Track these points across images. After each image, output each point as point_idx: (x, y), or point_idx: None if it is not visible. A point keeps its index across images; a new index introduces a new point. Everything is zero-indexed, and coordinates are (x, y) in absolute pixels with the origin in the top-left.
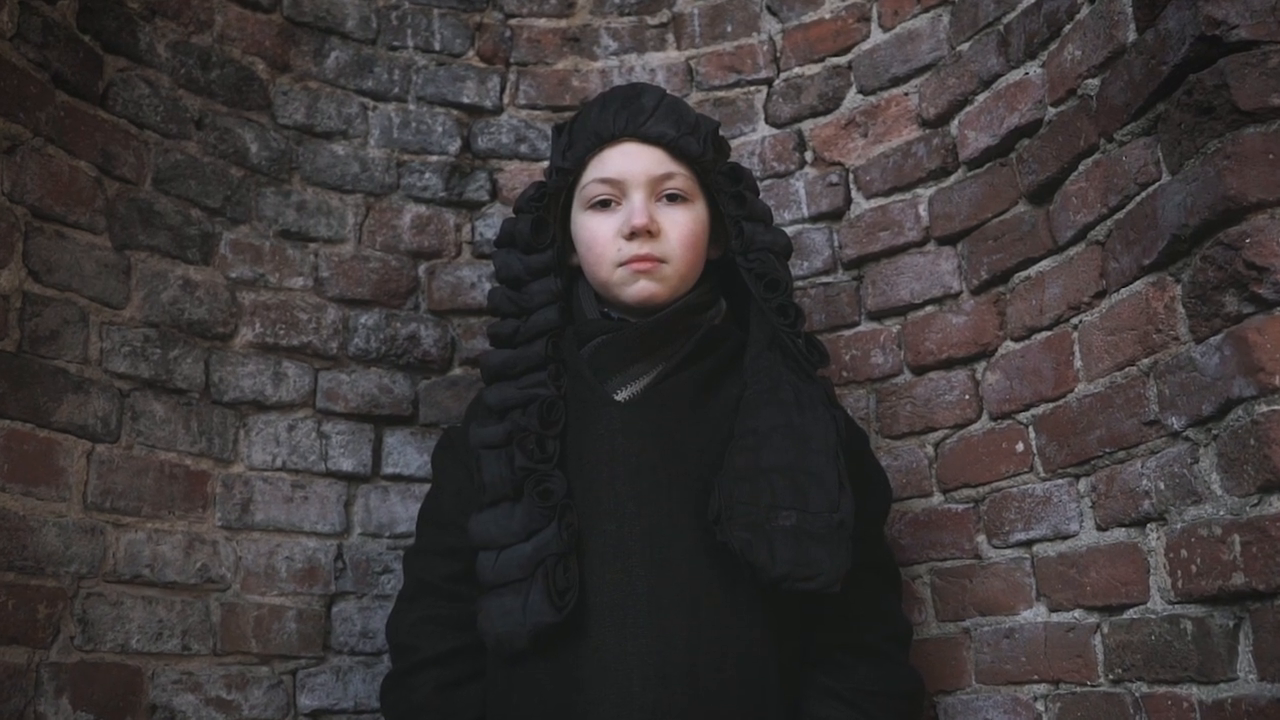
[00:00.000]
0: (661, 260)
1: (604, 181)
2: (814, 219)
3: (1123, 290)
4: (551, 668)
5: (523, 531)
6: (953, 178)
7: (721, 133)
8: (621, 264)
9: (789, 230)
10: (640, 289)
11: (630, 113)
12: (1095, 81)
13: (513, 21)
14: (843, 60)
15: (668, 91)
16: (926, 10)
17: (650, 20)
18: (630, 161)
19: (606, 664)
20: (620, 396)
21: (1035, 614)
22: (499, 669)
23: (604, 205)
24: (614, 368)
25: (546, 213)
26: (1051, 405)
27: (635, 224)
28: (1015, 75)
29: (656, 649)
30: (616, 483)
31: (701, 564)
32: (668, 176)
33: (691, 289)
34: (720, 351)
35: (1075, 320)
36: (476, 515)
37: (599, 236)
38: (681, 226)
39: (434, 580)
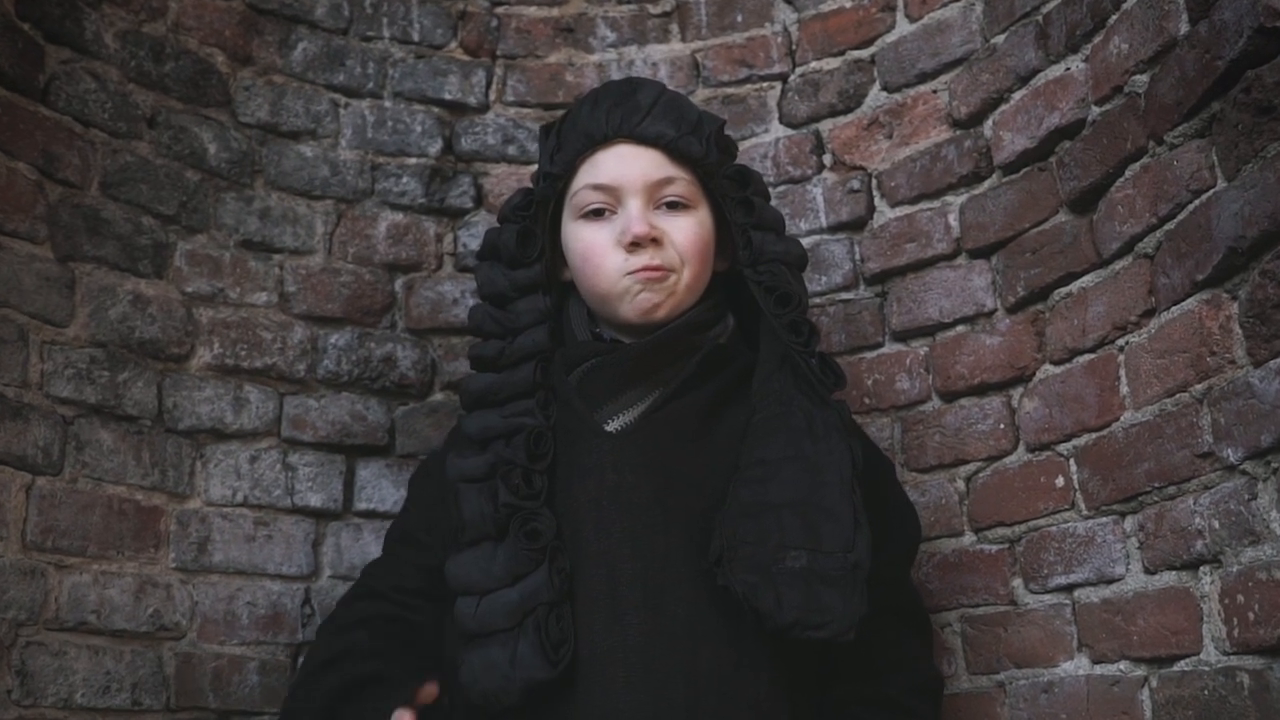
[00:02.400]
0: (668, 270)
1: (597, 188)
2: (833, 229)
3: (1173, 309)
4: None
5: (507, 576)
6: (986, 184)
7: (729, 132)
8: (627, 274)
9: (805, 241)
10: (643, 301)
11: (624, 111)
12: (1144, 78)
13: (500, 10)
14: (865, 54)
15: (668, 86)
16: None
17: (652, 9)
18: (625, 165)
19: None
20: (611, 426)
21: (1076, 666)
22: None
23: (597, 214)
24: (604, 395)
25: (534, 222)
26: (1095, 435)
27: (636, 233)
28: (1055, 71)
29: (650, 704)
30: (606, 522)
31: (702, 610)
32: (667, 181)
33: (695, 304)
34: (725, 374)
35: (1121, 341)
36: (454, 556)
37: (595, 246)
38: (686, 233)
39: (380, 588)
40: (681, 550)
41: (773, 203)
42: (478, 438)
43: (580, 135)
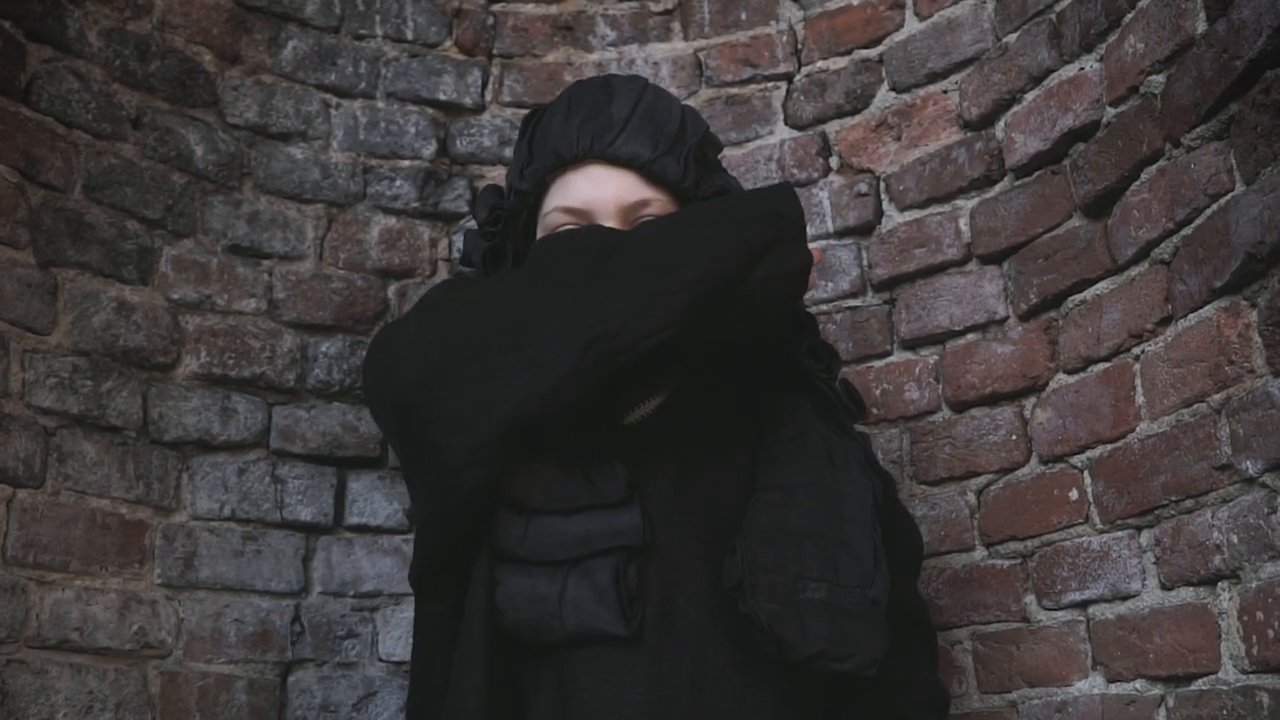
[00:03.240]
0: None
1: (567, 210)
2: (840, 234)
3: (1191, 316)
4: (550, 677)
5: (574, 500)
6: (998, 187)
7: (735, 135)
8: None
9: (811, 247)
10: None
11: (597, 127)
12: (1160, 78)
13: (496, 7)
14: (873, 53)
15: (650, 85)
16: None
17: (653, 6)
18: (597, 188)
19: (596, 711)
20: (630, 419)
21: (1091, 685)
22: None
23: None
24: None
25: (503, 236)
26: (1110, 447)
27: None
28: (1069, 71)
29: (653, 702)
30: None
31: (713, 613)
32: (642, 204)
33: None
34: (727, 375)
35: (1137, 350)
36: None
37: None
38: None
39: None
40: (696, 544)
41: None
42: None
43: (550, 152)
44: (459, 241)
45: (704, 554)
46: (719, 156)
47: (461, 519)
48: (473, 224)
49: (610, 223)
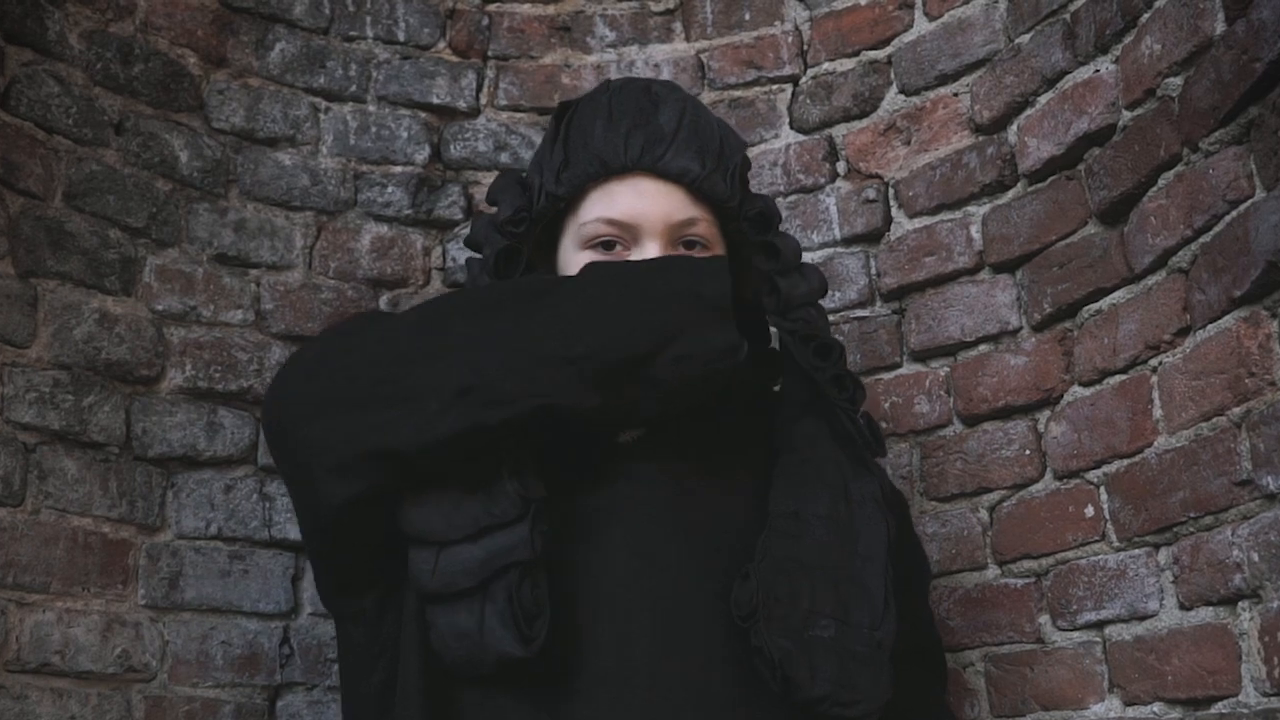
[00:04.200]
0: None
1: (611, 223)
2: (847, 241)
3: (1210, 327)
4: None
5: (472, 527)
6: (1010, 193)
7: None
8: None
9: (818, 255)
10: None
11: (647, 137)
12: (1177, 80)
13: (491, 8)
14: (881, 54)
15: (689, 96)
16: None
17: (654, 6)
18: (647, 203)
19: None
20: (623, 438)
21: (1108, 708)
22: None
23: (607, 247)
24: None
25: (523, 240)
26: (1126, 462)
27: None
28: (1084, 73)
29: None
30: (615, 532)
31: (714, 637)
32: (689, 223)
33: None
34: (736, 393)
35: (1154, 362)
36: (415, 498)
37: None
38: None
39: None
40: (693, 568)
41: (782, 214)
42: None
43: (594, 159)
44: (453, 250)
45: (702, 576)
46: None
47: (338, 539)
48: (466, 233)
49: (654, 241)
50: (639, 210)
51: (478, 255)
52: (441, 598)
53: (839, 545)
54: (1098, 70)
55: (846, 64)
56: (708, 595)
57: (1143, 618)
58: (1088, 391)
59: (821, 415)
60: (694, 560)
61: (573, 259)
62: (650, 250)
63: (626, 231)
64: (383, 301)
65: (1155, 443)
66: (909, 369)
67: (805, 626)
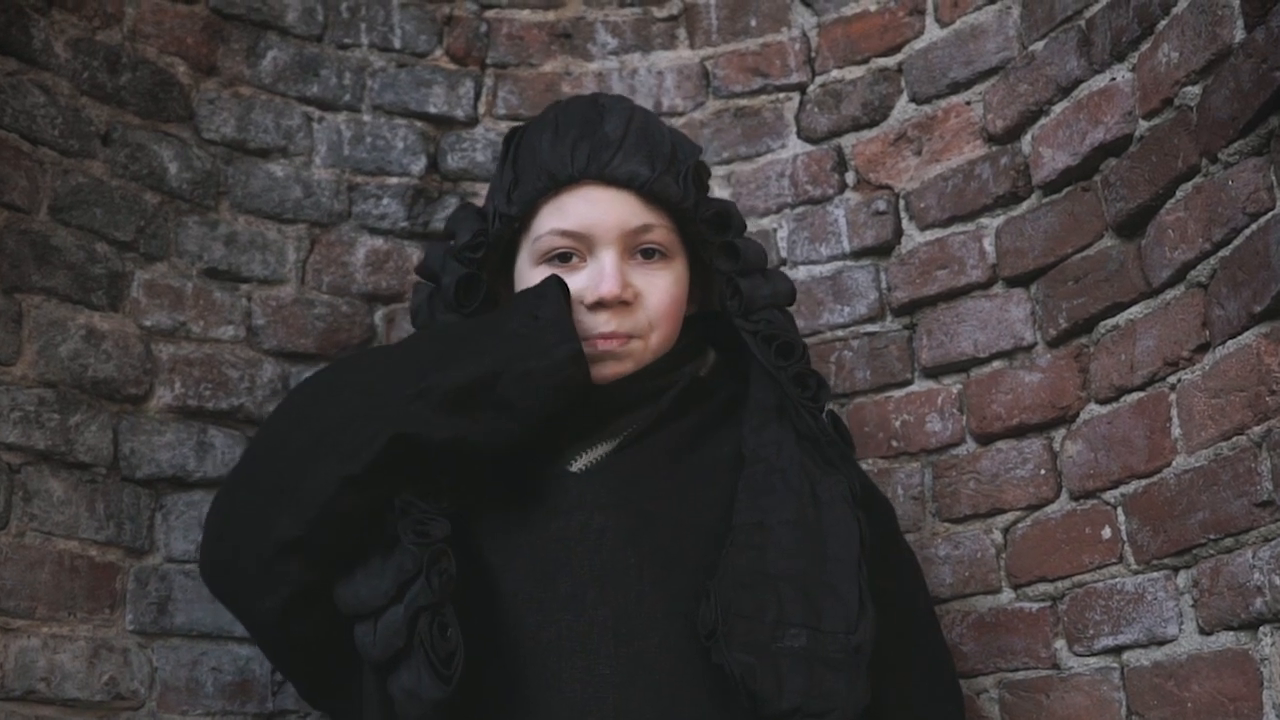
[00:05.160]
0: (632, 336)
1: (564, 234)
2: (857, 254)
3: (1229, 343)
4: None
5: (393, 587)
6: (1024, 205)
7: (744, 149)
8: (584, 339)
9: (826, 268)
10: (602, 368)
11: (593, 146)
12: (1195, 89)
13: (490, 14)
14: (891, 61)
15: (637, 105)
16: (993, 1)
17: (657, 12)
18: (598, 211)
19: None
20: (576, 467)
21: None
22: None
23: (564, 259)
24: (565, 439)
25: (481, 265)
26: (1144, 482)
27: (605, 294)
28: (1099, 81)
29: None
30: (574, 565)
31: (680, 657)
32: (644, 229)
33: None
34: (708, 407)
35: (1173, 379)
36: (346, 579)
37: None
38: (661, 292)
39: None
40: (657, 594)
41: (789, 226)
42: None
43: (541, 173)
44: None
45: (667, 600)
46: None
47: (295, 651)
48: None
49: (610, 249)
50: (590, 219)
51: (421, 294)
52: (388, 665)
53: (807, 550)
54: (1114, 79)
55: (855, 72)
56: (674, 619)
57: (1162, 643)
58: (1104, 409)
59: (788, 419)
60: (657, 586)
61: (529, 276)
62: (606, 259)
63: (580, 242)
64: (378, 317)
65: (1174, 462)
66: (920, 386)
67: (773, 639)
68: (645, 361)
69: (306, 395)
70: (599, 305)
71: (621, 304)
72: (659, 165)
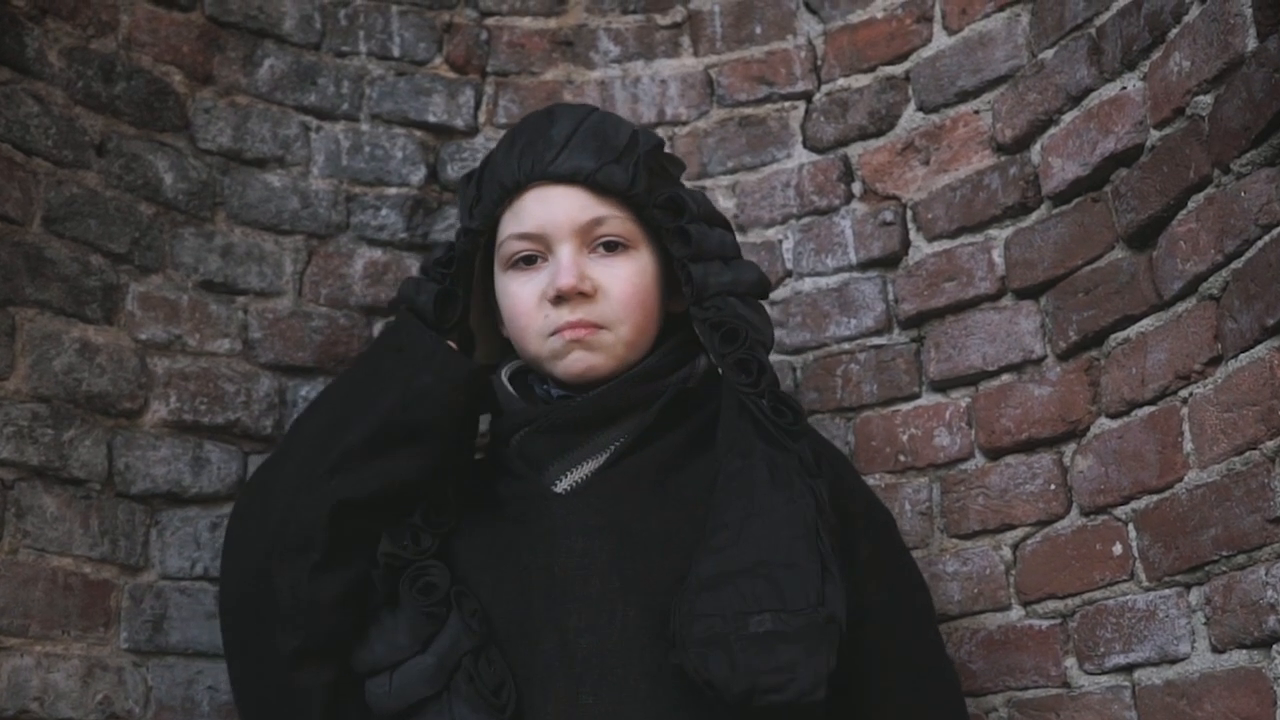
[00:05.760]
0: (599, 326)
1: (522, 237)
2: (863, 266)
3: (1242, 356)
4: None
5: (415, 641)
6: (1034, 216)
7: (749, 159)
8: (551, 333)
9: (832, 280)
10: (574, 362)
11: (537, 149)
12: (1207, 99)
13: (490, 21)
14: (898, 70)
15: (598, 109)
16: (1001, 9)
17: (660, 19)
18: (548, 209)
19: None
20: (561, 487)
21: None
22: None
23: (528, 262)
24: (550, 454)
25: (456, 281)
26: (1156, 498)
27: (561, 285)
28: (1110, 90)
29: None
30: (558, 591)
31: (666, 687)
32: (597, 222)
33: (648, 353)
34: (695, 420)
35: (1184, 393)
36: (359, 642)
37: (521, 302)
38: (623, 283)
39: None
40: (644, 621)
41: (795, 237)
42: None
43: (495, 184)
44: None
45: (649, 626)
46: (680, 176)
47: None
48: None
49: (566, 245)
50: (542, 217)
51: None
52: (405, 713)
53: (768, 536)
54: (1125, 87)
55: (862, 80)
56: (658, 644)
57: (1173, 661)
58: (1115, 424)
59: (748, 413)
60: (640, 611)
61: (500, 283)
62: (564, 255)
63: (538, 243)
64: (376, 330)
65: (1186, 477)
66: (928, 400)
67: (735, 629)
68: (620, 356)
69: (248, 496)
70: (559, 299)
71: (581, 295)
72: (606, 156)
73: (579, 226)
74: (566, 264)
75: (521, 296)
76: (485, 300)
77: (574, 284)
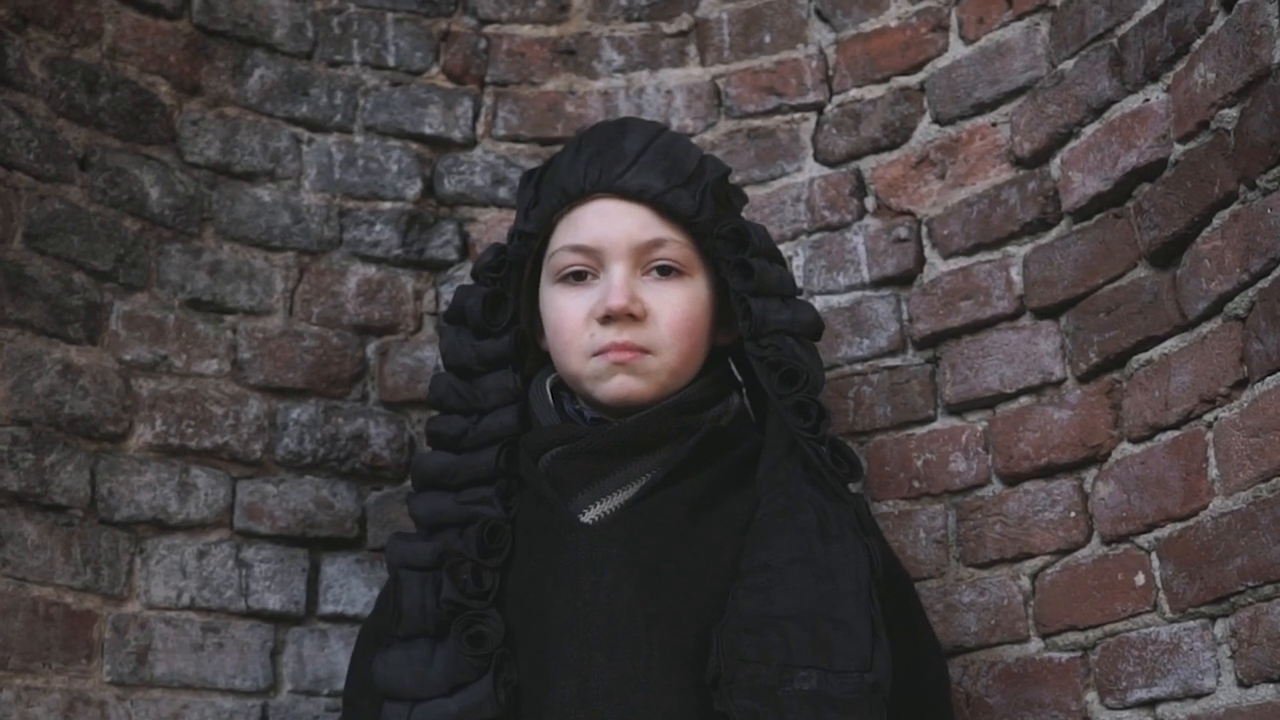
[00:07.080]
0: (646, 350)
1: (576, 249)
2: (876, 284)
3: (1269, 379)
4: None
5: (445, 683)
6: (1054, 232)
7: (758, 172)
8: (595, 353)
9: (845, 298)
10: (617, 386)
11: (606, 160)
12: (1233, 112)
13: (489, 29)
14: (913, 80)
15: (669, 128)
16: (1020, 18)
17: (666, 28)
18: (607, 225)
19: None
20: (588, 517)
21: None
22: None
23: (578, 277)
24: (579, 482)
25: (505, 285)
26: (1180, 526)
27: (612, 305)
28: (1132, 102)
29: None
30: (580, 627)
31: (692, 716)
32: (656, 244)
33: (689, 384)
34: (726, 459)
35: (1209, 417)
36: (383, 653)
37: (568, 318)
38: (674, 309)
39: None
40: (668, 660)
41: (806, 254)
42: (427, 522)
43: (556, 189)
44: (446, 294)
45: (678, 661)
46: (742, 209)
47: None
48: (461, 276)
49: (620, 264)
50: (601, 232)
51: (453, 325)
52: None
53: (815, 586)
54: (1147, 100)
55: (875, 91)
56: (683, 683)
57: (1198, 696)
58: (1137, 449)
59: (797, 455)
60: (665, 649)
61: (547, 295)
62: (616, 275)
63: (592, 257)
64: (370, 350)
65: (1211, 505)
66: (944, 423)
67: (780, 682)
68: (663, 384)
69: None
70: (608, 319)
71: (630, 317)
72: (675, 179)
73: (637, 246)
74: (619, 284)
75: (568, 312)
76: (530, 309)
77: (625, 305)
